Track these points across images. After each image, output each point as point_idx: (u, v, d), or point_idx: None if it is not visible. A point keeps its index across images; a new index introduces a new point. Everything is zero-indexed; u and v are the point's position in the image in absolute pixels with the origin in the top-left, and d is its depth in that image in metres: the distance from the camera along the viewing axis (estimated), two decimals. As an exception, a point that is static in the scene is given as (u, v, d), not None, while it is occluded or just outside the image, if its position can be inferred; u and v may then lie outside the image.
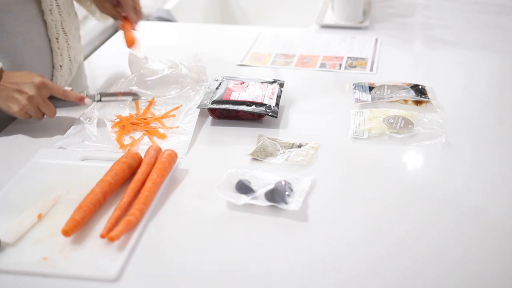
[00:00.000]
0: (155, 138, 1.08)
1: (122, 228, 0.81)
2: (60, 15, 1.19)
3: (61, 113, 1.13)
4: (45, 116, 1.09)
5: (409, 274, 0.77)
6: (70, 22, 1.25)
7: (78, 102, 1.11)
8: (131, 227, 0.83)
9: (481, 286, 0.75)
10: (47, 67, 1.18)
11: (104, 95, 1.15)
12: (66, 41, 1.22)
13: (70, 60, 1.24)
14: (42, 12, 1.16)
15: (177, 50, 1.54)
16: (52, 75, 1.20)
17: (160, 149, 0.99)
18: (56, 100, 1.09)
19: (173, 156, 0.97)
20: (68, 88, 1.10)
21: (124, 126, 1.10)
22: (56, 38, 1.18)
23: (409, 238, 0.83)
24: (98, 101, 1.14)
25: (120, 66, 1.30)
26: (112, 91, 1.23)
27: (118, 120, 1.13)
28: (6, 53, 1.10)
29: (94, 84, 1.35)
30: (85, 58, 1.47)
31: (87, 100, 1.11)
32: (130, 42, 1.25)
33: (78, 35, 1.32)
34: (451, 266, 0.77)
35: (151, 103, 1.20)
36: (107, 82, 1.34)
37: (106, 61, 1.48)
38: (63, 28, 1.20)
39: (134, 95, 1.17)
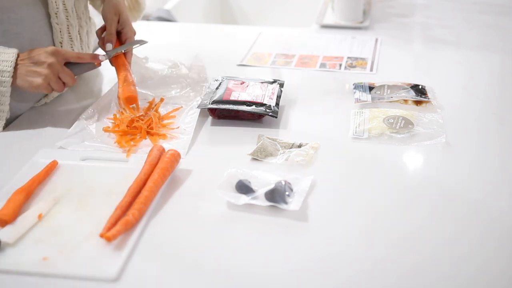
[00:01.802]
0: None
1: (119, 228, 0.81)
2: (67, 19, 1.18)
3: (61, 116, 1.12)
4: (65, 86, 1.09)
5: (410, 274, 0.77)
6: (80, 27, 1.25)
7: (93, 61, 1.12)
8: (129, 227, 0.83)
9: (482, 286, 0.75)
10: None
11: (113, 51, 1.16)
12: (71, 46, 1.22)
13: None
14: (49, 16, 1.16)
15: (177, 50, 1.54)
16: None
17: (163, 149, 0.99)
18: (72, 66, 1.10)
19: (175, 156, 0.97)
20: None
21: (123, 132, 1.09)
22: (60, 43, 1.18)
23: (409, 238, 0.83)
24: (110, 56, 1.16)
25: (116, 93, 1.29)
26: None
27: (112, 121, 1.13)
28: None
29: (94, 84, 1.35)
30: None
31: (101, 57, 1.12)
32: (129, 99, 1.13)
33: (89, 40, 1.32)
34: (451, 266, 0.77)
35: (151, 103, 1.20)
36: (107, 82, 1.34)
37: (105, 61, 1.48)
38: (69, 33, 1.20)
39: (140, 41, 1.18)
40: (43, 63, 1.05)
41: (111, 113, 1.16)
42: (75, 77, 1.11)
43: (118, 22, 1.21)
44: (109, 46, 1.18)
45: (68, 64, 1.10)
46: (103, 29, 1.22)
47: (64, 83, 1.09)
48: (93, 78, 1.38)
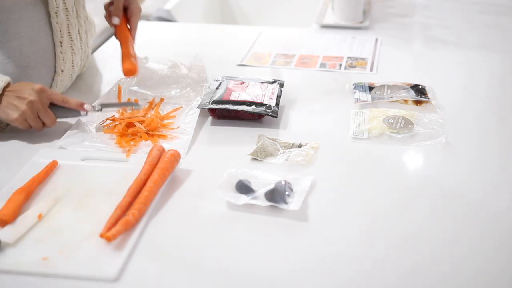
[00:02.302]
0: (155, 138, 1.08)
1: (119, 228, 0.81)
2: (67, 18, 1.18)
3: (60, 120, 1.12)
4: (44, 126, 1.07)
5: (410, 274, 0.77)
6: (80, 26, 1.25)
7: (78, 108, 1.09)
8: (129, 227, 0.83)
9: (483, 286, 0.75)
10: (49, 71, 1.18)
11: (104, 105, 1.14)
12: (71, 46, 1.21)
13: (72, 65, 1.23)
14: (49, 15, 1.15)
15: (177, 50, 1.54)
16: (53, 79, 1.19)
17: (163, 149, 0.99)
18: (55, 110, 1.08)
19: (176, 156, 0.97)
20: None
21: (122, 134, 1.08)
22: (60, 42, 1.18)
23: (409, 238, 0.83)
24: (98, 110, 1.13)
25: (120, 65, 1.29)
26: (112, 100, 1.22)
27: (110, 122, 1.12)
28: (12, 53, 1.10)
29: (93, 84, 1.35)
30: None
31: (87, 106, 1.09)
32: (130, 71, 1.18)
33: (88, 39, 1.32)
34: (452, 266, 0.77)
35: (151, 103, 1.20)
36: (107, 82, 1.34)
37: (106, 60, 1.48)
38: (69, 32, 1.20)
39: (134, 106, 1.17)
40: (24, 99, 1.03)
41: (112, 113, 1.16)
42: (56, 119, 1.08)
43: None
44: (116, 20, 1.21)
45: (54, 105, 1.08)
46: (110, 3, 1.25)
47: (43, 123, 1.07)
48: (93, 78, 1.38)
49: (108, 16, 1.24)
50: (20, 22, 1.11)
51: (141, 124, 1.09)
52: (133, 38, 1.25)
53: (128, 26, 1.26)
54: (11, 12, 1.09)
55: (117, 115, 1.15)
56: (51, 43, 1.17)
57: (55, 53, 1.18)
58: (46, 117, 1.06)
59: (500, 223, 0.85)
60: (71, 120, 1.14)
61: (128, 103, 1.20)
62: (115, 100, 1.21)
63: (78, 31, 1.24)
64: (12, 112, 1.03)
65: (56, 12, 1.15)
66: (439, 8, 1.80)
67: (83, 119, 1.13)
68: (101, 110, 1.13)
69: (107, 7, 1.25)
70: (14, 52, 1.10)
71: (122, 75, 1.21)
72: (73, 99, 1.10)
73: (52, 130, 1.11)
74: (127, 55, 1.20)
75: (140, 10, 1.27)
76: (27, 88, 1.04)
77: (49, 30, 1.16)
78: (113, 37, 1.31)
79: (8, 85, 1.04)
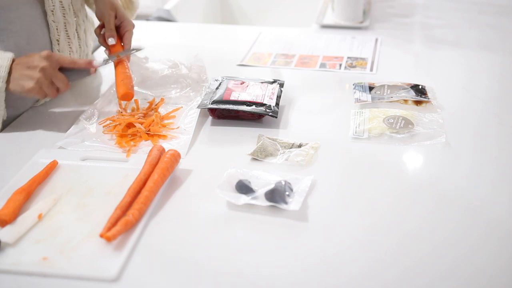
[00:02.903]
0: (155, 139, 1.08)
1: (119, 228, 0.81)
2: (64, 17, 1.18)
3: (61, 117, 1.12)
4: (58, 92, 1.07)
5: (410, 275, 0.77)
6: (78, 25, 1.24)
7: (88, 66, 1.09)
8: (129, 227, 0.83)
9: (482, 286, 0.75)
10: None
11: (110, 57, 1.15)
12: (68, 45, 1.21)
13: None
14: (45, 13, 1.15)
15: (177, 50, 1.54)
16: None
17: (163, 149, 0.99)
18: (66, 73, 1.08)
19: (175, 156, 0.97)
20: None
21: (121, 135, 1.08)
22: (57, 40, 1.18)
23: (410, 238, 0.83)
24: (106, 63, 1.13)
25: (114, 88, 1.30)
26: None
27: (110, 122, 1.12)
28: (9, 51, 1.10)
29: (93, 83, 1.35)
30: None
31: (95, 62, 1.10)
32: (125, 96, 1.11)
33: (87, 38, 1.32)
34: (452, 266, 0.77)
35: (151, 103, 1.20)
36: (108, 82, 1.34)
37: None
38: (66, 31, 1.20)
39: (136, 48, 1.18)
40: (36, 67, 1.03)
41: (111, 113, 1.16)
42: (69, 83, 1.08)
43: (116, 17, 1.21)
44: (111, 41, 1.18)
45: (62, 70, 1.08)
46: (101, 27, 1.22)
47: (57, 89, 1.07)
48: (92, 78, 1.38)
49: (102, 40, 1.21)
50: (17, 21, 1.11)
51: (141, 125, 1.09)
52: (128, 57, 1.21)
53: (122, 43, 1.22)
54: (8, 10, 1.09)
55: (116, 112, 1.15)
56: (48, 41, 1.17)
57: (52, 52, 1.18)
58: (60, 81, 1.06)
59: (500, 223, 0.85)
60: (71, 120, 1.14)
61: (132, 49, 1.19)
62: (115, 101, 1.21)
63: (76, 30, 1.24)
64: (27, 82, 1.04)
65: (52, 11, 1.15)
66: (439, 8, 1.80)
67: (83, 118, 1.13)
68: (108, 62, 1.14)
69: (99, 32, 1.22)
70: (11, 51, 1.10)
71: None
72: (80, 59, 1.10)
73: (52, 130, 1.11)
74: (122, 78, 1.14)
75: (133, 25, 1.23)
76: (35, 56, 1.05)
77: (46, 29, 1.16)
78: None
79: (13, 60, 1.05)
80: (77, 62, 1.09)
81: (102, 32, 1.22)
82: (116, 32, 1.21)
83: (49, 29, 1.17)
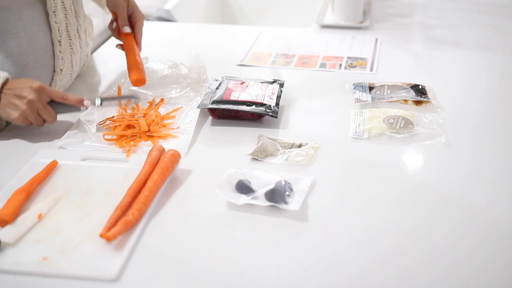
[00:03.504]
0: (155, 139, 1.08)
1: (119, 228, 0.81)
2: (65, 17, 1.18)
3: (61, 117, 1.12)
4: (45, 123, 1.08)
5: (410, 275, 0.77)
6: (79, 25, 1.25)
7: (78, 105, 1.09)
8: (129, 227, 0.83)
9: (482, 286, 0.75)
10: (48, 70, 1.18)
11: (104, 99, 1.14)
12: (70, 45, 1.21)
13: (71, 65, 1.23)
14: (47, 14, 1.15)
15: (177, 50, 1.54)
16: (52, 79, 1.19)
17: (163, 149, 0.99)
18: (56, 105, 1.08)
19: (175, 156, 0.97)
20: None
21: (120, 136, 1.08)
22: (59, 41, 1.18)
23: (410, 238, 0.83)
24: (99, 105, 1.13)
25: (120, 66, 1.30)
26: (112, 92, 1.23)
27: (110, 122, 1.12)
28: (10, 53, 1.10)
29: (94, 84, 1.35)
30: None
31: (86, 102, 1.09)
32: (138, 81, 1.17)
33: (87, 39, 1.32)
34: (452, 266, 0.77)
35: (151, 104, 1.20)
36: (108, 82, 1.34)
37: (106, 60, 1.48)
38: (67, 32, 1.20)
39: (135, 97, 1.17)
40: (24, 97, 1.03)
41: (111, 113, 1.16)
42: (57, 116, 1.08)
43: (128, 7, 1.26)
44: (126, 29, 1.24)
45: (54, 101, 1.08)
46: (113, 22, 1.28)
47: (44, 120, 1.07)
48: (92, 78, 1.38)
49: (116, 33, 1.27)
50: (18, 22, 1.10)
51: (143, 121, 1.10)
52: (139, 45, 1.26)
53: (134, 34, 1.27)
54: (9, 12, 1.09)
55: (116, 112, 1.16)
56: (49, 43, 1.17)
57: (54, 53, 1.18)
58: (47, 115, 1.07)
59: (500, 223, 0.85)
60: (72, 119, 1.14)
61: (128, 96, 1.20)
62: (115, 101, 1.21)
63: (77, 30, 1.24)
64: (13, 112, 1.04)
65: (54, 11, 1.15)
66: (439, 8, 1.80)
67: (83, 118, 1.13)
68: (101, 104, 1.13)
69: (111, 26, 1.28)
70: (13, 52, 1.10)
71: (122, 75, 1.21)
72: (72, 95, 1.09)
73: (52, 130, 1.11)
74: (134, 65, 1.20)
75: (143, 16, 1.29)
76: (26, 86, 1.04)
77: (48, 30, 1.16)
78: (113, 37, 1.31)
79: (6, 81, 1.04)
80: (68, 99, 1.08)
81: (114, 27, 1.27)
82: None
83: (50, 30, 1.17)
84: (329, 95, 1.26)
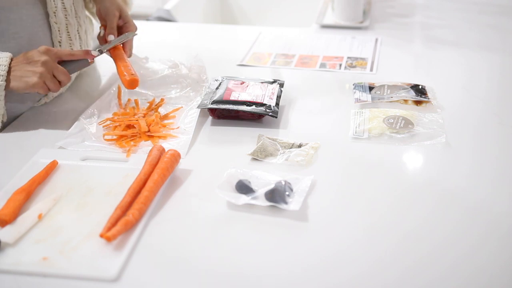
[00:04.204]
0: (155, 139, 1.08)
1: (119, 228, 0.81)
2: (66, 18, 1.18)
3: (61, 117, 1.11)
4: (60, 85, 1.08)
5: (410, 275, 0.77)
6: (79, 26, 1.24)
7: (86, 57, 1.11)
8: (129, 227, 0.83)
9: (482, 286, 0.75)
10: None
11: (107, 46, 1.17)
12: (70, 46, 1.21)
13: None
14: (48, 15, 1.15)
15: (177, 50, 1.54)
16: None
17: (163, 149, 0.99)
18: (65, 65, 1.09)
19: (175, 156, 0.97)
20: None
21: (120, 137, 1.08)
22: (59, 42, 1.18)
23: (410, 238, 0.83)
24: (103, 52, 1.16)
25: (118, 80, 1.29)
26: (111, 91, 1.24)
27: (110, 122, 1.12)
28: (11, 52, 1.10)
29: (93, 84, 1.35)
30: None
31: (93, 52, 1.12)
32: (132, 83, 1.13)
33: (87, 39, 1.32)
34: (452, 266, 0.77)
35: (151, 104, 1.20)
36: (108, 82, 1.34)
37: (105, 61, 1.48)
38: (68, 32, 1.20)
39: (130, 34, 1.20)
40: (36, 61, 1.04)
41: (111, 113, 1.16)
42: (70, 75, 1.10)
43: (120, 17, 1.23)
44: (111, 37, 1.20)
45: (61, 63, 1.09)
46: (101, 31, 1.24)
47: (59, 82, 1.08)
48: (92, 78, 1.38)
49: (103, 41, 1.22)
50: (18, 22, 1.11)
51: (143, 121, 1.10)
52: (128, 53, 1.21)
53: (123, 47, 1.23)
54: (9, 12, 1.09)
55: (115, 109, 1.16)
56: (50, 43, 1.17)
57: None
58: (61, 74, 1.08)
59: (501, 223, 0.85)
60: (71, 120, 1.14)
61: (125, 35, 1.21)
62: (115, 101, 1.21)
63: (77, 31, 1.24)
64: (31, 78, 1.04)
65: (54, 12, 1.15)
66: (439, 8, 1.80)
67: (83, 118, 1.13)
68: (103, 50, 1.16)
69: (99, 35, 1.24)
70: (13, 52, 1.10)
71: (128, 89, 1.20)
72: (78, 50, 1.12)
73: (52, 130, 1.11)
74: (125, 70, 1.15)
75: (136, 28, 1.25)
76: (33, 52, 1.06)
77: (48, 30, 1.16)
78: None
79: (11, 59, 1.06)
80: (75, 54, 1.11)
81: (102, 34, 1.23)
82: (118, 32, 1.22)
83: (50, 30, 1.17)
84: (329, 95, 1.26)
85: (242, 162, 1.00)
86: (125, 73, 1.14)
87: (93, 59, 1.13)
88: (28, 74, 1.04)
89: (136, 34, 1.23)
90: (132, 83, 1.13)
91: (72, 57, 1.10)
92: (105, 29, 1.23)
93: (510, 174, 0.97)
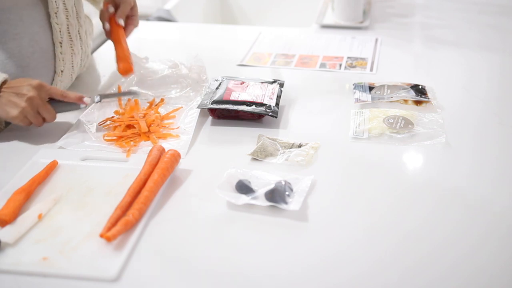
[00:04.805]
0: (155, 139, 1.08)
1: (119, 228, 0.81)
2: (67, 19, 1.18)
3: (61, 117, 1.11)
4: (44, 122, 1.07)
5: (410, 275, 0.77)
6: (80, 26, 1.24)
7: (78, 102, 1.09)
8: (129, 227, 0.83)
9: (482, 286, 0.75)
10: (49, 71, 1.18)
11: (103, 96, 1.14)
12: (71, 46, 1.21)
13: (72, 66, 1.23)
14: (49, 15, 1.15)
15: (177, 50, 1.54)
16: (53, 80, 1.19)
17: (163, 149, 0.99)
18: (55, 104, 1.08)
19: (175, 156, 0.97)
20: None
21: (121, 136, 1.08)
22: (60, 43, 1.18)
23: (410, 238, 0.83)
24: (98, 102, 1.14)
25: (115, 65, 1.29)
26: (111, 91, 1.24)
27: (110, 122, 1.12)
28: (11, 53, 1.10)
29: (94, 84, 1.35)
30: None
31: (86, 99, 1.09)
32: (125, 69, 1.17)
33: (87, 40, 1.32)
34: (452, 266, 0.77)
35: (151, 104, 1.20)
36: (108, 82, 1.34)
37: (105, 60, 1.48)
38: (69, 33, 1.20)
39: (133, 94, 1.18)
40: (23, 95, 1.02)
41: (111, 113, 1.16)
42: (56, 114, 1.08)
43: (132, 8, 1.24)
44: (121, 22, 1.22)
45: (53, 100, 1.08)
46: (106, 11, 1.25)
47: (43, 119, 1.07)
48: (92, 78, 1.38)
49: (108, 20, 1.23)
50: (19, 23, 1.10)
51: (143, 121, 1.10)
52: (129, 33, 1.24)
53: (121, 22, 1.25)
54: (10, 12, 1.09)
55: (115, 109, 1.16)
56: (51, 44, 1.17)
57: (55, 54, 1.18)
58: (46, 113, 1.06)
59: (501, 223, 0.85)
60: (71, 120, 1.14)
61: (127, 93, 1.21)
62: (115, 98, 1.21)
63: (78, 31, 1.24)
64: (12, 110, 1.03)
65: (56, 13, 1.15)
66: (439, 8, 1.80)
67: (83, 118, 1.13)
68: (100, 101, 1.14)
69: (104, 14, 1.24)
70: (14, 53, 1.10)
71: (122, 76, 1.21)
72: (71, 92, 1.09)
73: (52, 130, 1.11)
74: (122, 55, 1.20)
75: (138, 23, 1.26)
76: (25, 84, 1.04)
77: (49, 31, 1.16)
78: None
79: (5, 81, 1.04)
80: (67, 96, 1.08)
81: (111, 11, 1.23)
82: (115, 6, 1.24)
83: (51, 31, 1.17)
84: (329, 95, 1.26)
85: (242, 162, 1.00)
86: (121, 59, 1.18)
87: (86, 105, 1.10)
88: (11, 105, 1.03)
89: (139, 95, 1.21)
90: (126, 71, 1.17)
91: (64, 99, 1.08)
92: (113, 8, 1.23)
93: (510, 174, 0.97)
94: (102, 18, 1.24)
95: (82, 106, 1.10)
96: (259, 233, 0.84)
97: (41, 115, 1.06)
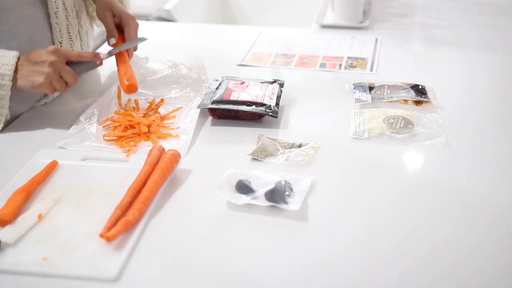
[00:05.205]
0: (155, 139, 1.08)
1: (119, 228, 0.81)
2: (67, 19, 1.18)
3: (61, 117, 1.11)
4: (67, 86, 1.08)
5: (410, 275, 0.77)
6: (80, 26, 1.24)
7: (94, 59, 1.11)
8: (129, 227, 0.83)
9: (482, 286, 0.75)
10: None
11: (114, 51, 1.17)
12: (71, 46, 1.21)
13: None
14: (49, 15, 1.15)
15: (177, 50, 1.54)
16: None
17: (163, 149, 0.99)
18: (73, 66, 1.09)
19: (175, 156, 0.97)
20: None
21: (121, 136, 1.08)
22: (60, 43, 1.18)
23: (410, 238, 0.83)
24: (112, 54, 1.16)
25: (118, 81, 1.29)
26: (111, 91, 1.24)
27: (110, 122, 1.12)
28: None
29: (93, 84, 1.35)
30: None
31: (102, 55, 1.12)
32: (131, 88, 1.11)
33: (88, 40, 1.32)
34: (452, 266, 0.77)
35: (151, 104, 1.20)
36: (108, 82, 1.34)
37: (105, 61, 1.48)
38: (68, 33, 1.20)
39: (140, 39, 1.20)
40: (44, 61, 1.04)
41: (111, 113, 1.16)
42: (77, 76, 1.10)
43: (114, 16, 1.22)
44: (112, 41, 1.19)
45: (69, 63, 1.09)
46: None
47: (66, 83, 1.08)
48: (93, 78, 1.38)
49: (109, 43, 1.21)
50: (19, 22, 1.11)
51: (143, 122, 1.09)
52: (130, 56, 1.20)
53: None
54: (10, 12, 1.09)
55: (115, 109, 1.15)
56: (50, 44, 1.17)
57: None
58: (68, 75, 1.07)
59: (501, 223, 0.85)
60: (71, 120, 1.14)
61: (134, 40, 1.21)
62: (115, 101, 1.21)
63: (78, 31, 1.24)
64: (37, 78, 1.04)
65: (55, 13, 1.15)
66: (439, 8, 1.80)
67: (83, 118, 1.13)
68: (112, 53, 1.17)
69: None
70: None
71: (126, 93, 1.20)
72: (87, 52, 1.11)
73: (52, 130, 1.11)
74: (126, 73, 1.14)
75: (133, 18, 1.23)
76: (41, 52, 1.05)
77: (49, 31, 1.16)
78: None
79: (18, 59, 1.05)
80: (83, 56, 1.10)
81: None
82: (118, 29, 1.22)
83: (51, 31, 1.17)
84: (329, 95, 1.26)
85: (242, 162, 1.00)
86: (125, 78, 1.12)
87: (101, 61, 1.12)
88: (35, 74, 1.04)
89: (146, 39, 1.22)
90: (131, 88, 1.12)
91: (80, 59, 1.10)
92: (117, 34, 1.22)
93: (510, 174, 0.97)
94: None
95: (98, 62, 1.12)
96: (259, 233, 0.84)
97: (64, 78, 1.07)
